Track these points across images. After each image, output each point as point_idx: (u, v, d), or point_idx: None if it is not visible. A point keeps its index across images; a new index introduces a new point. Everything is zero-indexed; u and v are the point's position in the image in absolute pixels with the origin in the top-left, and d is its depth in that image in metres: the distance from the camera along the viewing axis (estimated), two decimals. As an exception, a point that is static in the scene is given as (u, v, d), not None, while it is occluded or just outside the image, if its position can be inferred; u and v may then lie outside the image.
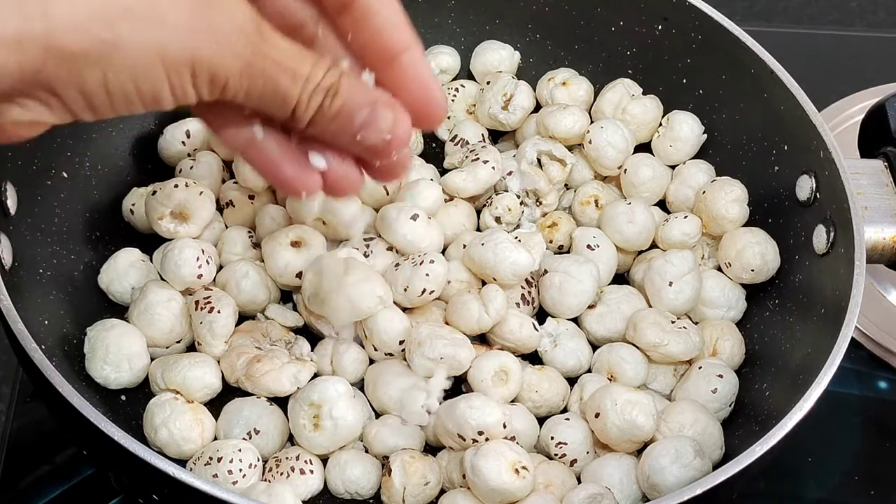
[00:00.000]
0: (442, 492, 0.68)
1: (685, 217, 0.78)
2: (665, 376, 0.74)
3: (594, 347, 0.75)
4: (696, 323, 0.76)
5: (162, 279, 0.73)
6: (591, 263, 0.75)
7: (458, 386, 0.70)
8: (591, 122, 0.82)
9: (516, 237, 0.74)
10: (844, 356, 0.64)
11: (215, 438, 0.69)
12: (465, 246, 0.75)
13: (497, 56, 0.87)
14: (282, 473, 0.67)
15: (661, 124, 0.83)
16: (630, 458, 0.69)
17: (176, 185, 0.73)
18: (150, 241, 0.76)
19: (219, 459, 0.65)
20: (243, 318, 0.74)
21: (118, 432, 0.57)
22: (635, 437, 0.68)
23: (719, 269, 0.78)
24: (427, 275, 0.71)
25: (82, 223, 0.76)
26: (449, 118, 0.86)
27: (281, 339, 0.73)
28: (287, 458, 0.67)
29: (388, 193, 0.77)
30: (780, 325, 0.75)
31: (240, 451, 0.66)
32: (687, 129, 0.82)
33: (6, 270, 0.65)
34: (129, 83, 0.48)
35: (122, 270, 0.74)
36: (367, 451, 0.69)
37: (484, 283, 0.74)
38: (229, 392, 0.71)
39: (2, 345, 0.65)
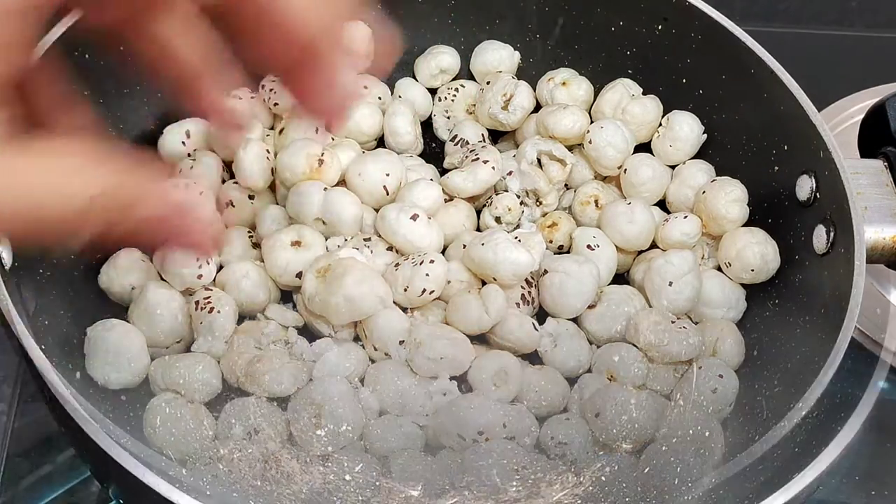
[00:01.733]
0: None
1: (685, 217, 0.78)
2: (665, 376, 0.74)
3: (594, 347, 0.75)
4: (696, 323, 0.76)
5: (162, 279, 0.73)
6: (591, 263, 0.75)
7: (459, 386, 0.70)
8: (591, 122, 0.82)
9: (516, 237, 0.74)
10: (844, 356, 0.64)
11: (215, 438, 0.69)
12: (465, 246, 0.75)
13: (497, 56, 0.87)
14: (281, 472, 0.67)
15: (661, 124, 0.83)
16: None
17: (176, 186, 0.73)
18: (150, 242, 0.76)
19: (219, 459, 0.65)
20: (243, 318, 0.74)
21: (107, 441, 0.57)
22: (635, 437, 0.68)
23: (719, 269, 0.78)
24: (427, 275, 0.71)
25: (82, 223, 0.76)
26: (449, 118, 0.86)
27: (281, 339, 0.73)
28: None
29: (388, 193, 0.77)
30: (780, 325, 0.75)
31: (239, 451, 0.66)
32: (687, 129, 0.82)
33: (6, 270, 0.65)
34: None
35: (122, 270, 0.74)
36: (366, 451, 0.69)
37: (484, 283, 0.74)
38: (229, 392, 0.71)
39: (2, 345, 0.65)
